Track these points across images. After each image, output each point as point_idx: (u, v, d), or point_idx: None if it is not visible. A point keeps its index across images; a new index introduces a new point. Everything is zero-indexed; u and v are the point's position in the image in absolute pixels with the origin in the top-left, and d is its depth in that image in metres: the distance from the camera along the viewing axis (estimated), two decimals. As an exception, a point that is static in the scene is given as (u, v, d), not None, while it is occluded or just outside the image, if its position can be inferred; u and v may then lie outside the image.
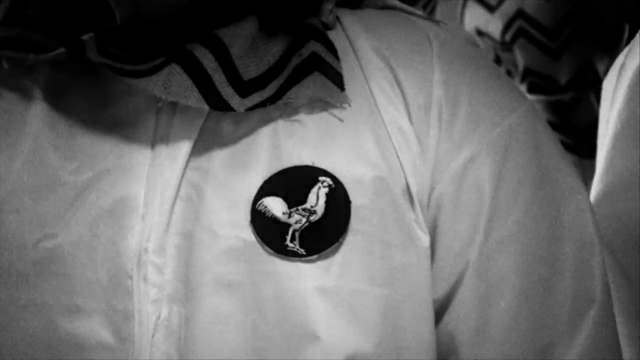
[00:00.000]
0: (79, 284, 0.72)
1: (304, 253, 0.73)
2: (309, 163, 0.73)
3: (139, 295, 0.72)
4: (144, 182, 0.73)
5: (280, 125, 0.74)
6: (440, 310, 0.77)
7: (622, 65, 1.08)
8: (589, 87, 1.76)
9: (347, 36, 0.78)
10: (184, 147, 0.73)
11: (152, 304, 0.72)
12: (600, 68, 1.74)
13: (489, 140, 0.76)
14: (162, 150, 0.74)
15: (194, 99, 0.72)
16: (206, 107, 0.72)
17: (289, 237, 0.73)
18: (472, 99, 0.77)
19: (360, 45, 0.78)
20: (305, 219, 0.73)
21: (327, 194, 0.73)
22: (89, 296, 0.72)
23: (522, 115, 0.78)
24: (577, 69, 1.75)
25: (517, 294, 0.75)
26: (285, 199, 0.73)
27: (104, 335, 0.72)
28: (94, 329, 0.72)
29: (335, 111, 0.75)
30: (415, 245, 0.74)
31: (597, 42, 1.75)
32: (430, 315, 0.78)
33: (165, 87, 0.74)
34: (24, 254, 0.73)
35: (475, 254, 0.76)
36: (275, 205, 0.74)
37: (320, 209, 0.74)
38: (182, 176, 0.73)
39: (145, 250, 0.72)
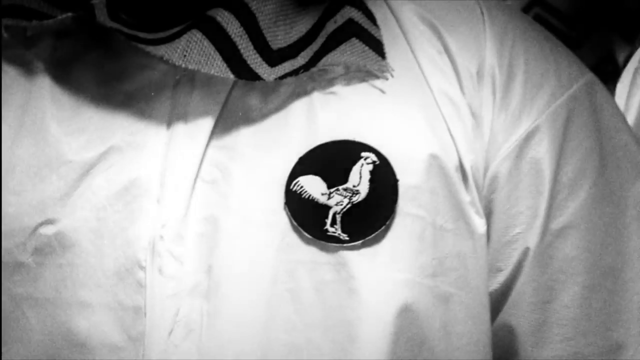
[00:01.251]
0: (83, 276, 0.65)
1: (347, 238, 0.65)
2: (350, 138, 0.66)
3: (153, 289, 0.64)
4: (159, 162, 0.66)
5: (316, 98, 0.67)
6: (497, 305, 0.70)
7: (637, 70, 1.00)
8: (609, 78, 1.69)
9: (388, 4, 0.72)
10: (205, 124, 0.66)
11: (168, 299, 0.64)
12: (620, 58, 1.66)
13: (549, 113, 0.70)
14: (180, 127, 0.66)
15: (216, 67, 0.65)
16: (231, 76, 0.65)
17: (329, 221, 0.65)
18: (529, 68, 0.70)
19: (404, 12, 0.71)
20: (347, 200, 0.65)
21: (371, 172, 0.66)
22: (94, 290, 0.65)
23: (583, 86, 0.72)
24: (598, 60, 1.67)
25: (583, 286, 0.69)
26: (324, 178, 0.66)
27: (111, 333, 0.64)
28: (100, 326, 0.64)
29: (377, 82, 0.68)
30: (471, 231, 0.68)
31: (618, 30, 1.67)
32: (485, 311, 0.70)
33: (185, 55, 0.65)
34: (22, 241, 0.66)
35: (536, 241, 0.69)
36: (313, 185, 0.66)
37: (363, 188, 0.66)
38: (204, 155, 0.65)
39: (161, 237, 0.64)
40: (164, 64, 0.67)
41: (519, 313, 0.71)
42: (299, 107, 0.67)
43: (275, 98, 0.67)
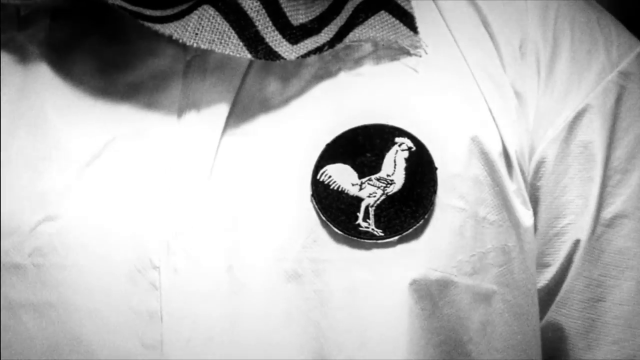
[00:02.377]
0: (90, 278, 0.59)
1: (381, 234, 0.59)
2: (383, 121, 0.60)
3: (169, 291, 0.59)
4: (171, 154, 0.60)
5: (342, 79, 0.62)
6: (544, 303, 0.65)
7: None
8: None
9: None
10: (220, 113, 0.61)
11: (185, 301, 0.59)
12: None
13: (598, 91, 0.64)
14: (192, 117, 0.61)
15: (232, 45, 0.59)
16: (248, 56, 0.59)
17: (361, 215, 0.60)
18: (575, 41, 0.65)
19: None
20: (381, 192, 0.60)
21: (406, 159, 0.60)
22: (101, 293, 0.59)
23: (634, 60, 0.66)
24: None
25: (638, 281, 0.64)
26: (355, 167, 0.60)
27: (124, 341, 0.59)
28: (111, 333, 0.59)
29: (409, 60, 0.63)
30: (516, 223, 0.62)
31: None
32: (533, 310, 0.64)
33: (197, 33, 0.59)
34: (19, 241, 0.60)
35: (587, 232, 0.64)
36: (342, 175, 0.60)
37: (399, 178, 0.60)
38: (219, 146, 0.60)
39: (175, 234, 0.59)
40: (171, 48, 0.62)
41: (569, 312, 0.65)
42: (323, 90, 0.62)
43: (296, 82, 0.62)
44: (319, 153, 0.60)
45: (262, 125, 0.61)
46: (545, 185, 0.63)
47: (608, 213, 0.64)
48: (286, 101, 0.61)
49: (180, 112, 0.61)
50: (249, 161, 0.60)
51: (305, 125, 0.61)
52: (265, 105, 0.61)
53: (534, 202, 0.63)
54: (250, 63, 0.62)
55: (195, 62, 0.62)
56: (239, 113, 0.61)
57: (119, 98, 0.62)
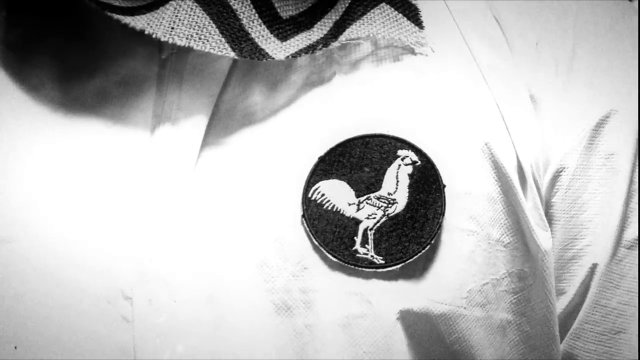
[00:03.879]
0: (49, 312, 0.53)
1: (382, 262, 0.53)
2: (383, 131, 0.54)
3: (142, 325, 0.52)
4: (144, 170, 0.55)
5: (337, 85, 0.56)
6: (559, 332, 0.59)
7: None
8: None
9: None
10: (197, 125, 0.55)
11: (160, 337, 0.52)
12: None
13: (624, 94, 0.58)
14: (167, 130, 0.55)
15: (212, 42, 0.53)
16: (230, 54, 0.53)
17: (358, 239, 0.53)
18: (598, 39, 0.59)
19: None
20: (382, 212, 0.54)
21: (410, 175, 0.54)
22: (66, 327, 0.53)
23: None
24: None
25: None
26: (351, 184, 0.54)
27: None
28: None
29: (414, 61, 0.57)
30: (533, 245, 0.56)
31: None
32: (553, 342, 0.58)
33: (172, 28, 0.52)
34: None
35: (607, 255, 0.57)
36: (338, 193, 0.54)
37: (401, 197, 0.54)
38: (197, 162, 0.54)
39: (150, 259, 0.53)
40: (144, 48, 0.56)
41: (584, 345, 0.58)
42: (315, 99, 0.56)
43: (284, 89, 0.56)
44: (311, 168, 0.54)
45: (246, 139, 0.55)
46: (561, 202, 0.57)
47: (631, 234, 0.58)
48: (273, 112, 0.55)
49: (153, 125, 0.55)
50: (232, 179, 0.54)
51: (295, 137, 0.55)
52: (249, 117, 0.56)
53: (548, 220, 0.57)
54: (232, 66, 0.56)
55: (171, 63, 0.56)
56: (219, 126, 0.55)
57: (84, 108, 0.56)
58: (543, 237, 0.56)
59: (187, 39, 0.52)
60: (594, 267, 0.58)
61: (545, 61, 0.58)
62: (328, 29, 0.55)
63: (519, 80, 0.57)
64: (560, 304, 0.58)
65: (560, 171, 0.57)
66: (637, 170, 0.58)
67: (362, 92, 0.55)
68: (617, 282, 0.58)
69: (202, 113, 0.55)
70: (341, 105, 0.55)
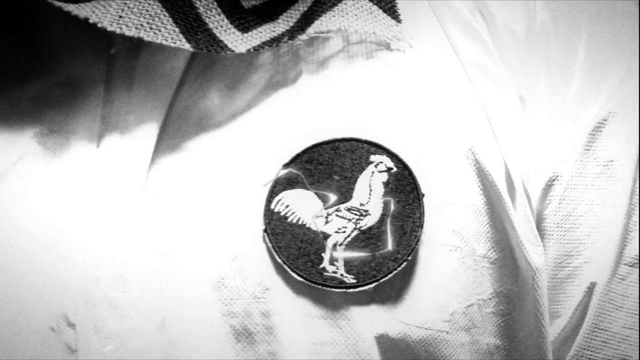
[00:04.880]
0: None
1: (353, 281, 0.49)
2: (354, 135, 0.50)
3: (88, 355, 0.48)
4: (90, 179, 0.51)
5: (304, 86, 0.52)
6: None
7: None
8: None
9: None
10: (148, 133, 0.51)
11: None
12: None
13: (623, 95, 0.54)
14: (115, 139, 0.51)
15: (165, 32, 0.49)
16: (185, 45, 0.49)
17: (327, 256, 0.49)
18: (594, 35, 0.55)
19: None
20: (353, 225, 0.49)
21: (385, 184, 0.50)
22: (10, 354, 0.49)
23: None
24: None
25: None
26: (319, 194, 0.50)
27: None
28: None
29: (389, 58, 0.53)
30: (523, 263, 0.52)
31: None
32: None
33: (120, 16, 0.49)
34: None
35: (606, 274, 0.53)
36: (303, 204, 0.50)
37: (375, 208, 0.50)
38: (148, 173, 0.51)
39: (96, 280, 0.48)
40: (91, 45, 0.53)
41: None
42: (280, 100, 0.53)
43: (245, 90, 0.52)
44: (274, 177, 0.50)
45: (202, 145, 0.52)
46: (554, 214, 0.53)
47: (634, 250, 0.53)
48: (233, 115, 0.52)
49: (100, 132, 0.52)
50: (186, 189, 0.51)
51: (256, 143, 0.51)
52: (206, 120, 0.52)
53: (540, 235, 0.53)
54: (188, 65, 0.53)
55: (121, 61, 0.53)
56: (173, 130, 0.52)
57: (24, 112, 0.53)
58: (534, 253, 0.52)
59: (136, 28, 0.48)
60: (592, 286, 0.53)
61: (536, 59, 0.54)
62: (295, 20, 0.51)
63: (507, 79, 0.53)
64: (555, 329, 0.54)
65: (554, 180, 0.53)
66: (639, 178, 0.53)
67: (331, 93, 0.52)
68: (620, 303, 0.53)
69: (154, 117, 0.51)
70: (308, 108, 0.51)
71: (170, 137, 0.51)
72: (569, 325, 0.53)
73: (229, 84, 0.52)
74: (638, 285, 0.53)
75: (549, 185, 0.53)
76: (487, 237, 0.51)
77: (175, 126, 0.51)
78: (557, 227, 0.53)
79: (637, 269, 0.53)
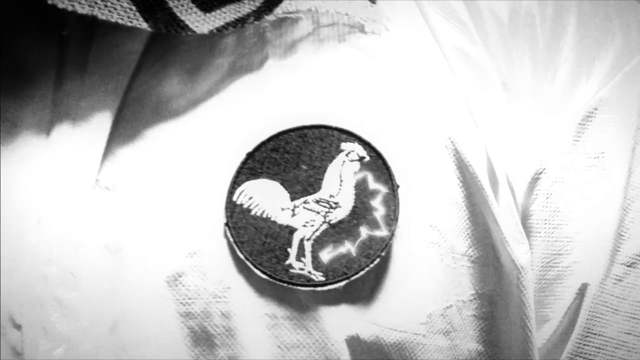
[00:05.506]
0: None
1: (322, 279, 0.45)
2: (324, 123, 0.47)
3: (35, 357, 0.45)
4: (40, 172, 0.48)
5: (270, 71, 0.49)
6: None
7: None
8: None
9: None
10: (102, 124, 0.48)
11: None
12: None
13: (615, 82, 0.50)
14: (66, 130, 0.48)
15: (120, 10, 0.46)
16: (142, 25, 0.46)
17: (293, 252, 0.46)
18: (583, 18, 0.52)
19: None
20: (322, 219, 0.46)
21: (357, 174, 0.46)
22: None
23: None
24: None
25: None
26: (285, 184, 0.46)
27: None
28: None
29: (363, 41, 0.49)
30: (507, 262, 0.48)
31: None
32: None
33: None
34: None
35: (600, 274, 0.49)
36: (268, 195, 0.46)
37: (346, 200, 0.46)
38: (101, 166, 0.48)
39: (45, 278, 0.45)
40: (43, 26, 0.50)
41: None
42: (244, 85, 0.50)
43: (208, 75, 0.50)
44: (237, 166, 0.46)
45: (160, 133, 0.49)
46: (541, 210, 0.50)
47: (631, 248, 0.49)
48: (194, 101, 0.49)
49: (51, 120, 0.49)
50: (142, 179, 0.48)
51: (218, 130, 0.48)
52: (165, 107, 0.49)
53: (526, 232, 0.50)
54: (146, 48, 0.49)
55: (73, 42, 0.50)
56: (130, 117, 0.49)
57: None
58: (519, 251, 0.48)
59: (89, 6, 0.45)
60: (583, 288, 0.50)
61: (520, 39, 0.51)
62: (261, 1, 0.47)
63: (490, 65, 0.50)
64: (543, 334, 0.50)
65: (540, 173, 0.50)
66: (636, 170, 0.49)
67: (299, 79, 0.49)
68: (616, 306, 0.50)
69: (109, 104, 0.48)
70: (274, 94, 0.48)
71: (126, 125, 0.48)
72: (558, 330, 0.50)
73: (189, 69, 0.49)
74: (638, 286, 0.50)
75: (535, 179, 0.49)
76: (468, 234, 0.47)
77: (132, 113, 0.48)
78: (545, 224, 0.49)
79: (637, 269, 0.49)
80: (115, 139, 0.47)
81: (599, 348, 0.49)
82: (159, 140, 0.47)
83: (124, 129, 0.48)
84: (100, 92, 0.48)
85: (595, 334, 0.49)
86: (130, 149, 0.47)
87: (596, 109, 0.50)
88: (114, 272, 0.45)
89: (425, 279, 0.47)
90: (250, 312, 0.45)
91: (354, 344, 0.45)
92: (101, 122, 0.47)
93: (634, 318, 0.49)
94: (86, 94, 0.48)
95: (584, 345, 0.49)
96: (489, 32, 0.50)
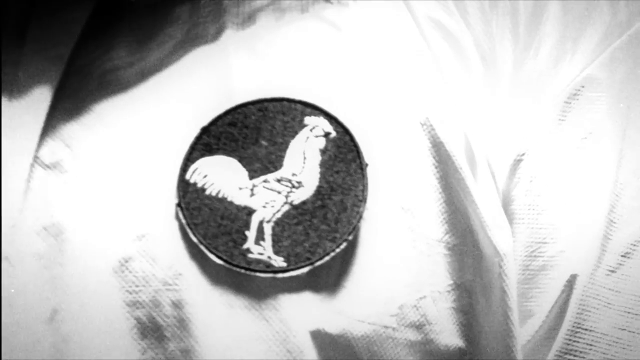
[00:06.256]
0: None
1: (283, 265, 0.42)
2: (285, 95, 0.44)
3: None
4: None
5: (227, 41, 0.46)
6: None
7: None
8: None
9: None
10: (42, 92, 0.45)
11: None
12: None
13: (604, 59, 0.47)
14: (4, 105, 0.46)
15: None
16: None
17: (252, 235, 0.42)
18: None
19: None
20: (283, 199, 0.43)
21: (322, 151, 0.43)
22: None
23: None
24: None
25: None
26: (244, 162, 0.43)
27: None
28: None
29: (328, 11, 0.47)
30: (487, 249, 0.44)
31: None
32: None
33: None
34: None
35: (590, 264, 0.45)
36: (224, 174, 0.43)
37: (310, 179, 0.43)
38: (41, 140, 0.44)
39: None
40: None
41: None
42: (199, 57, 0.46)
43: (159, 46, 0.47)
44: (191, 142, 0.43)
45: (106, 110, 0.45)
46: (524, 195, 0.47)
47: (626, 236, 0.46)
48: (143, 73, 0.46)
49: None
50: (86, 159, 0.44)
51: (170, 104, 0.45)
52: (111, 78, 0.46)
53: (508, 219, 0.46)
54: (91, 17, 0.47)
55: (11, 8, 0.47)
56: (71, 94, 0.46)
57: None
58: (501, 237, 0.44)
59: None
60: (572, 279, 0.46)
61: (502, 15, 0.48)
62: None
63: (468, 38, 0.47)
64: (528, 330, 0.46)
65: (522, 155, 0.47)
66: (628, 153, 0.46)
67: (259, 51, 0.46)
68: (609, 299, 0.46)
69: (49, 76, 0.45)
70: (232, 66, 0.45)
71: (68, 98, 0.45)
72: (544, 325, 0.46)
73: (139, 39, 0.46)
74: (635, 278, 0.46)
75: (517, 162, 0.46)
76: (444, 218, 0.44)
77: (75, 86, 0.45)
78: (528, 209, 0.46)
79: (633, 259, 0.45)
80: (57, 112, 0.44)
81: (591, 345, 0.45)
82: (105, 114, 0.44)
83: (65, 103, 0.45)
84: (40, 62, 0.45)
85: (586, 329, 0.45)
86: (75, 124, 0.44)
87: (583, 87, 0.46)
88: (52, 258, 0.42)
89: (397, 266, 0.43)
90: (204, 301, 0.41)
91: (319, 336, 0.41)
92: (41, 94, 0.44)
93: (629, 312, 0.45)
94: (24, 63, 0.45)
95: (574, 341, 0.45)
96: (467, 3, 0.47)
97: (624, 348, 0.45)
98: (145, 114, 0.44)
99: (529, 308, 0.46)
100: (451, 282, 0.44)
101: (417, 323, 0.43)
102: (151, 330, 0.41)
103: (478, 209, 0.44)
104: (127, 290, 0.41)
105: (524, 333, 0.46)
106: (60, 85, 0.45)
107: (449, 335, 0.44)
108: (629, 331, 0.45)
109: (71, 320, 0.41)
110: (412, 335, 0.43)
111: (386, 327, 0.42)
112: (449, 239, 0.44)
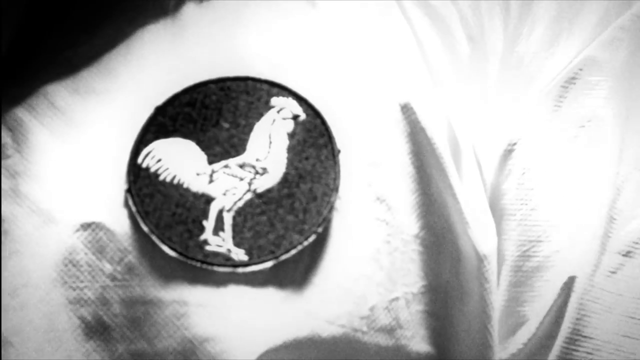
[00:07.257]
0: None
1: (244, 258, 0.39)
2: (250, 74, 0.41)
3: None
4: None
5: (187, 16, 0.45)
6: None
7: None
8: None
9: None
10: None
11: None
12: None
13: (604, 39, 0.45)
14: None
15: None
16: None
17: (210, 225, 0.40)
18: None
19: None
20: (246, 187, 0.40)
21: (290, 135, 0.41)
22: None
23: None
24: None
25: None
26: (202, 145, 0.41)
27: None
28: None
29: None
30: (467, 248, 0.42)
31: None
32: None
33: None
34: None
35: (590, 264, 0.42)
36: (181, 158, 0.40)
37: (276, 165, 0.40)
38: None
39: None
40: None
41: None
42: (155, 33, 0.44)
43: (112, 23, 0.44)
44: (143, 123, 0.40)
45: (55, 88, 0.43)
46: (516, 189, 0.44)
47: (627, 234, 0.43)
48: (92, 54, 0.43)
49: None
50: (25, 141, 0.42)
51: (123, 82, 0.42)
52: (58, 63, 0.43)
53: (498, 215, 0.44)
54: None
55: None
56: (19, 71, 0.43)
57: None
58: (482, 236, 0.42)
59: None
60: (570, 282, 0.43)
61: None
62: None
63: (455, 15, 0.44)
64: (520, 338, 0.43)
65: (514, 145, 0.44)
66: (630, 144, 0.43)
67: (223, 26, 0.43)
68: (610, 303, 0.43)
69: None
70: (192, 42, 0.43)
71: (13, 80, 0.42)
72: (538, 333, 0.43)
73: (88, 15, 0.43)
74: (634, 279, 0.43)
75: (508, 152, 0.44)
76: (422, 212, 0.41)
77: (19, 68, 0.42)
78: (520, 204, 0.43)
79: (635, 259, 0.42)
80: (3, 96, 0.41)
81: (591, 353, 0.42)
82: (52, 95, 0.41)
83: (11, 85, 0.42)
84: None
85: (585, 336, 0.42)
86: (19, 108, 0.41)
87: (581, 69, 0.44)
88: None
89: (367, 263, 0.40)
90: (156, 298, 0.38)
91: (282, 339, 0.38)
92: None
93: (632, 318, 0.42)
94: None
95: (573, 350, 0.42)
96: None
97: (627, 357, 0.42)
98: (95, 94, 0.41)
99: (522, 313, 0.44)
100: (425, 283, 0.42)
101: (388, 327, 0.40)
102: (97, 331, 0.39)
103: (459, 204, 0.41)
104: (71, 287, 0.38)
105: (516, 341, 0.43)
106: (5, 68, 0.42)
107: (420, 342, 0.42)
108: (633, 338, 0.42)
109: (7, 319, 0.38)
110: (383, 340, 0.40)
111: (356, 330, 0.39)
112: (425, 235, 0.41)
